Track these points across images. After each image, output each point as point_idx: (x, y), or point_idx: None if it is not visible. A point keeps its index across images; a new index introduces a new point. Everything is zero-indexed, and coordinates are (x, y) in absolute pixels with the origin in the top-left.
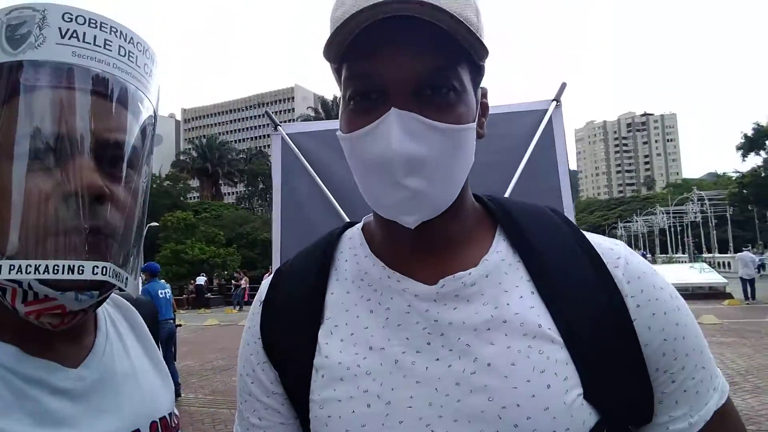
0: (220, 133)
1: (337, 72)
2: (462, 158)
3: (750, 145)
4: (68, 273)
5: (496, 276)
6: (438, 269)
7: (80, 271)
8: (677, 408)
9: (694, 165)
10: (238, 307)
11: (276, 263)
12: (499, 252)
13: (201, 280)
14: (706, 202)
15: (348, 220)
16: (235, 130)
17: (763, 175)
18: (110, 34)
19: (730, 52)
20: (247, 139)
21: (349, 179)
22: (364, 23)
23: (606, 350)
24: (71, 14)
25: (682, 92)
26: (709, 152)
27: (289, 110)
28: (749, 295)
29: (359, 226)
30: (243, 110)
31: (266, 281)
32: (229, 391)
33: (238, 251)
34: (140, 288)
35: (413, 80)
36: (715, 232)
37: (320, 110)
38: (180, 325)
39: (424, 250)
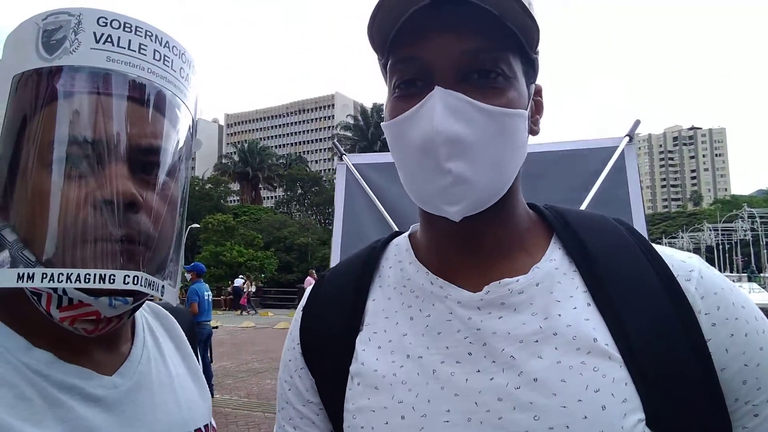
0: (261, 138)
1: (384, 66)
2: (511, 147)
3: None
4: (99, 282)
5: (548, 285)
6: (484, 276)
7: (111, 280)
8: None
9: (743, 181)
10: (239, 311)
11: None
12: (554, 260)
13: (239, 282)
14: (757, 219)
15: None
16: (275, 136)
17: None
18: (145, 38)
19: None
20: (287, 144)
21: (413, 213)
22: (411, 7)
23: (674, 372)
24: (106, 18)
25: (732, 106)
26: (759, 168)
27: (328, 117)
28: None
29: (406, 234)
30: (284, 116)
31: (309, 288)
32: (264, 394)
33: (275, 255)
34: (178, 290)
35: (458, 61)
36: (766, 251)
37: (359, 118)
38: (216, 327)
39: (470, 254)
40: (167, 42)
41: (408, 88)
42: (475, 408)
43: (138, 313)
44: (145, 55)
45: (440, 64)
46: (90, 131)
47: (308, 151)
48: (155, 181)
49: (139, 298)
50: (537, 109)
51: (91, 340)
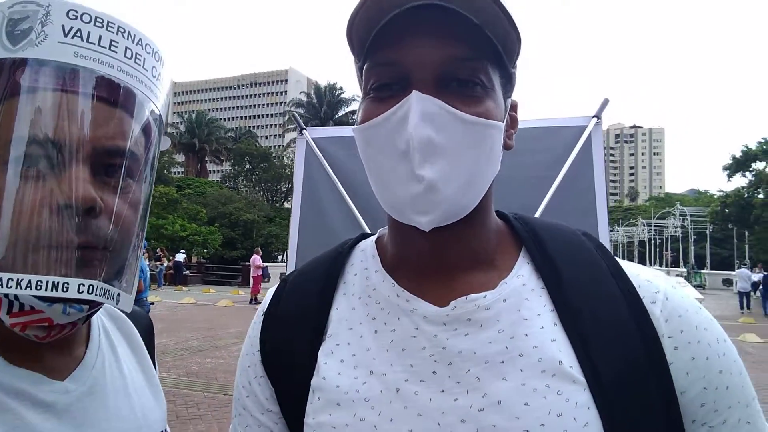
0: (209, 109)
1: (360, 69)
2: (485, 159)
3: (737, 166)
4: (52, 290)
5: (516, 302)
6: (451, 290)
7: (65, 289)
8: None
9: (677, 180)
10: (156, 286)
11: (291, 267)
12: (521, 276)
13: (180, 257)
14: (688, 217)
15: (366, 227)
16: (225, 108)
17: (746, 196)
18: (117, 34)
19: (721, 74)
20: (237, 117)
21: (372, 190)
22: (391, 11)
23: (635, 396)
24: (76, 11)
25: (672, 108)
26: (692, 169)
27: (281, 92)
28: (744, 306)
29: (373, 238)
30: (234, 88)
31: (270, 290)
32: (204, 373)
33: (220, 230)
34: (134, 297)
35: (437, 68)
36: (693, 247)
37: (312, 95)
38: (153, 303)
39: (438, 267)
40: (140, 39)
41: (383, 90)
42: (437, 429)
43: (94, 316)
44: (116, 52)
45: (419, 70)
46: (52, 130)
47: (259, 126)
48: (118, 183)
49: (94, 305)
50: (512, 123)
51: (43, 344)
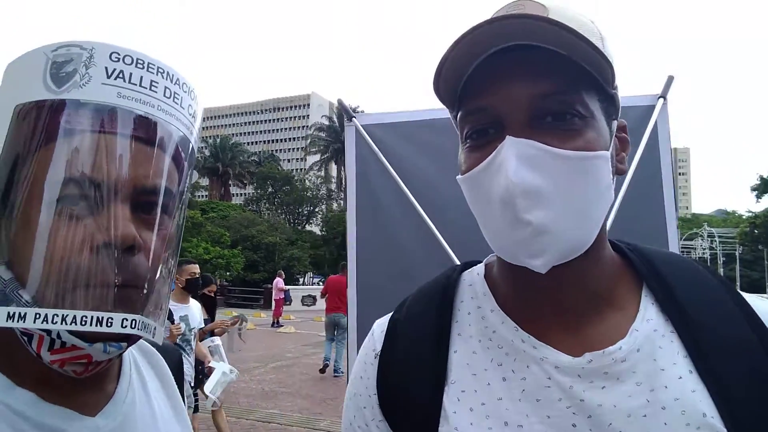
0: (233, 134)
1: (455, 118)
2: (593, 192)
3: (765, 186)
4: (96, 325)
5: (649, 350)
6: (579, 337)
7: (109, 324)
8: None
9: (703, 201)
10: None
11: (351, 258)
12: (650, 321)
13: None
14: (716, 238)
15: (425, 216)
16: (248, 132)
17: None
18: (157, 74)
19: (747, 93)
20: (260, 142)
21: (428, 174)
22: (475, 59)
23: None
24: (119, 54)
25: (697, 127)
26: (718, 189)
27: (303, 116)
28: None
29: (480, 270)
30: (258, 113)
31: (379, 327)
32: (226, 397)
33: (242, 253)
34: (167, 330)
35: (528, 107)
36: (722, 269)
37: (334, 119)
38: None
39: (560, 308)
40: (177, 79)
41: (480, 138)
42: None
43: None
44: (156, 92)
45: (509, 112)
46: (97, 171)
47: (281, 150)
48: (155, 221)
49: (132, 342)
50: (622, 146)
51: (77, 380)
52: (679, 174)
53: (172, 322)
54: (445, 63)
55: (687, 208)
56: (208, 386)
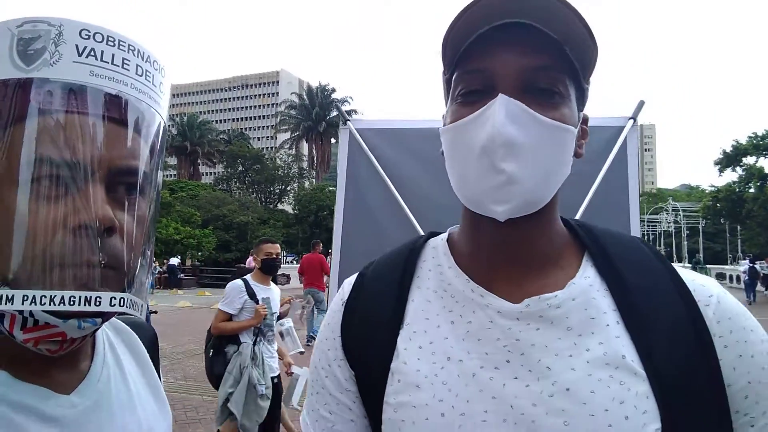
0: (201, 112)
1: (447, 82)
2: (559, 159)
3: (727, 161)
4: (85, 304)
5: (583, 301)
6: (522, 287)
7: (98, 303)
8: None
9: (668, 176)
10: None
11: (335, 259)
12: (588, 278)
13: (174, 261)
14: (680, 213)
15: (414, 220)
16: (216, 110)
17: (737, 190)
18: (128, 52)
19: (711, 69)
20: (229, 120)
21: (419, 180)
22: (479, 29)
23: (689, 388)
24: (89, 31)
25: (662, 103)
26: (683, 165)
27: (272, 94)
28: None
29: (444, 236)
30: (226, 90)
31: (349, 281)
32: (201, 376)
33: (214, 233)
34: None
35: (521, 75)
36: (686, 242)
37: (305, 96)
38: (155, 312)
39: (509, 264)
40: (148, 57)
41: (471, 96)
42: (510, 410)
43: (99, 330)
44: (128, 70)
45: (504, 77)
46: (73, 151)
47: (251, 128)
48: (133, 201)
49: (107, 318)
50: (583, 135)
51: (51, 358)
52: (645, 150)
53: (256, 302)
54: (454, 27)
55: (652, 183)
56: (295, 398)
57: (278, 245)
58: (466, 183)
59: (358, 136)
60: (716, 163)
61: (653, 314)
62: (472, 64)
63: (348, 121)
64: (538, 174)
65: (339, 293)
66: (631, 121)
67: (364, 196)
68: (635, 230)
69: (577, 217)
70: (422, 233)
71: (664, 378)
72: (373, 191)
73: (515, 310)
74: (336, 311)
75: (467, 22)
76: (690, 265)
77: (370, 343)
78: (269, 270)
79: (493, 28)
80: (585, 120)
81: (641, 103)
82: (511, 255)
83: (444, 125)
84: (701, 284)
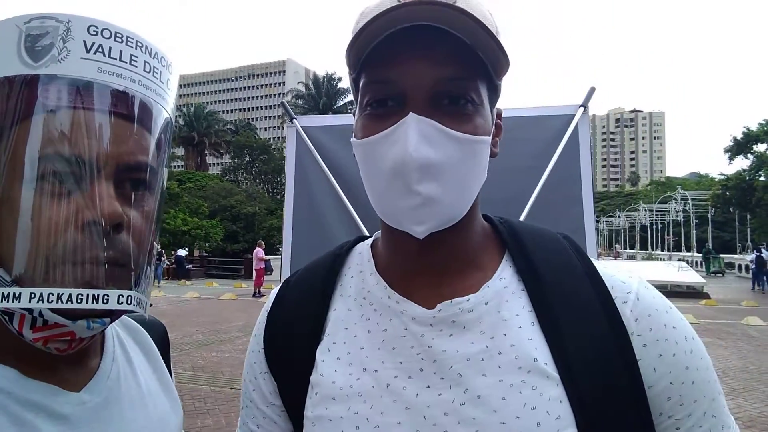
0: (208, 102)
1: (355, 82)
2: (475, 171)
3: (738, 148)
4: (93, 302)
5: (496, 304)
6: (439, 292)
7: (105, 301)
8: None
9: (677, 164)
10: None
11: (286, 260)
12: (503, 279)
13: (182, 252)
14: (689, 201)
15: (358, 219)
16: (223, 101)
17: (747, 178)
18: (136, 48)
19: (722, 56)
20: (235, 110)
21: (355, 170)
22: (386, 30)
23: (606, 390)
24: (97, 27)
25: (672, 91)
26: (692, 153)
27: (279, 83)
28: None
29: (369, 242)
30: (232, 81)
31: (273, 291)
32: (209, 367)
33: (221, 224)
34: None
35: (431, 87)
36: (695, 231)
37: (311, 86)
38: (150, 305)
39: (428, 270)
40: (156, 53)
41: (379, 107)
42: (423, 421)
43: (108, 327)
44: (136, 66)
45: (413, 90)
46: (81, 147)
47: (257, 118)
48: (140, 197)
49: (115, 318)
50: (497, 131)
51: (60, 356)
52: (654, 138)
53: None
54: (362, 33)
55: (661, 171)
56: None
57: None
58: (381, 200)
59: (303, 134)
60: (726, 151)
61: (568, 314)
62: (379, 72)
63: (294, 119)
64: (455, 191)
65: (266, 303)
66: (582, 108)
67: (312, 195)
68: (589, 222)
69: (525, 211)
70: (366, 233)
71: (579, 381)
72: (321, 190)
73: (428, 315)
74: (260, 322)
75: (372, 26)
76: (700, 255)
77: (290, 354)
78: None
79: (402, 31)
80: (499, 115)
81: (592, 90)
82: (428, 261)
83: (355, 136)
84: (621, 281)
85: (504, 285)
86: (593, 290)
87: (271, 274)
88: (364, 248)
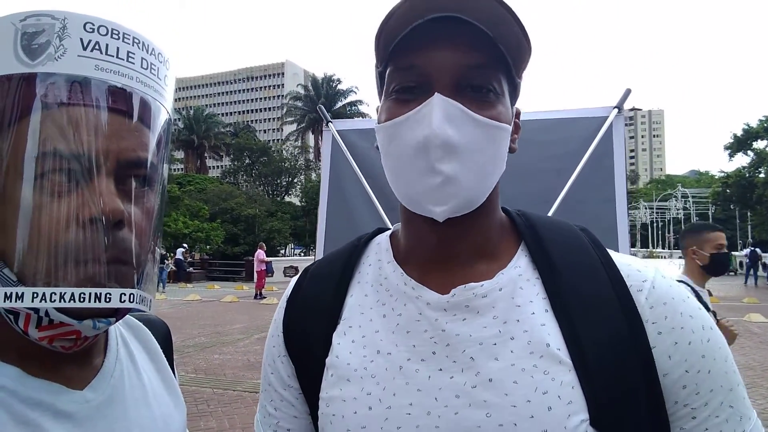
0: (207, 105)
1: (381, 76)
2: (495, 158)
3: (738, 145)
4: (95, 301)
5: (510, 290)
6: (454, 279)
7: (107, 299)
8: None
9: (677, 162)
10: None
11: (319, 255)
12: (518, 267)
13: (179, 253)
14: (690, 199)
15: (384, 215)
16: (222, 103)
17: (747, 175)
18: (133, 45)
19: (720, 53)
20: (235, 112)
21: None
22: (413, 21)
23: (618, 377)
24: (93, 24)
25: (671, 89)
26: (692, 151)
27: (278, 85)
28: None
29: (388, 232)
30: (231, 83)
31: (294, 278)
32: (211, 369)
33: (222, 226)
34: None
35: (456, 74)
36: None
37: (310, 87)
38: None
39: (445, 258)
40: (153, 49)
41: (405, 93)
42: (434, 403)
43: (111, 326)
44: (134, 63)
45: (439, 75)
46: (80, 145)
47: (257, 120)
48: (141, 193)
49: (120, 316)
50: (515, 129)
51: (63, 354)
52: (654, 136)
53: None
54: (389, 20)
55: (661, 169)
56: None
57: (723, 234)
58: (403, 183)
59: (338, 137)
60: (726, 148)
61: (582, 302)
62: (406, 59)
63: (330, 123)
64: (475, 174)
65: (286, 290)
66: (616, 110)
67: (345, 193)
68: (622, 222)
69: (553, 208)
70: (387, 222)
71: (591, 367)
72: (353, 189)
73: (443, 300)
74: (280, 308)
75: (401, 15)
76: (667, 251)
77: (308, 338)
78: (717, 269)
79: (428, 22)
80: (518, 114)
81: (627, 92)
82: (446, 250)
83: (378, 122)
84: (636, 269)
85: (519, 273)
86: (608, 279)
87: (272, 276)
88: (383, 239)
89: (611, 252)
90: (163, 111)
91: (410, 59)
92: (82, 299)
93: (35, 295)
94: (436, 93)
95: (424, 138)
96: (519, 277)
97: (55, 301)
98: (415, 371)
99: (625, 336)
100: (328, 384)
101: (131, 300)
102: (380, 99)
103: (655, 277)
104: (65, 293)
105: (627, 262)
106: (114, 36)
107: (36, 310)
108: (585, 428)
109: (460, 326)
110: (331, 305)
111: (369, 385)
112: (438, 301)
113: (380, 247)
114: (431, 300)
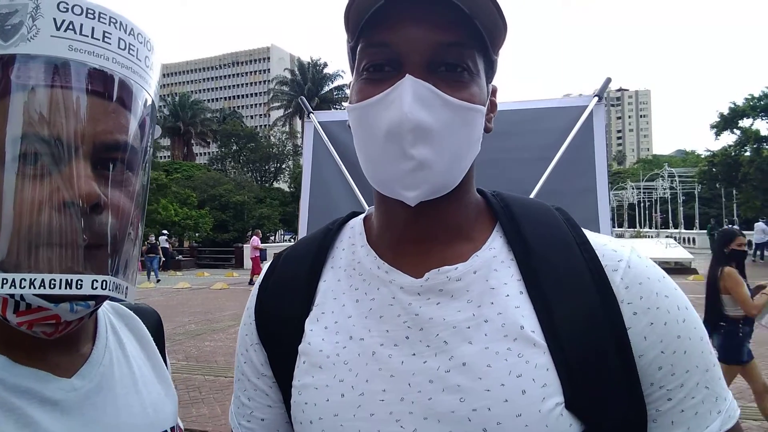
0: (192, 91)
1: (352, 50)
2: (469, 139)
3: (725, 123)
4: (66, 288)
5: (485, 273)
6: (428, 262)
7: (79, 286)
8: (672, 429)
9: (664, 142)
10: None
11: (303, 222)
12: (493, 249)
13: (164, 241)
14: (676, 178)
15: (363, 201)
16: (208, 89)
17: (733, 154)
18: (109, 25)
19: (706, 32)
20: (221, 98)
21: None
22: None
23: (593, 358)
24: (67, 4)
25: (657, 69)
26: (678, 130)
27: (264, 70)
28: (762, 257)
29: (362, 216)
30: (216, 69)
31: (266, 264)
32: (203, 356)
33: (210, 213)
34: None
35: (428, 52)
36: (682, 208)
37: (296, 72)
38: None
39: (418, 239)
40: (132, 29)
41: (376, 72)
42: (408, 389)
43: (101, 313)
44: (110, 43)
45: (411, 54)
46: (53, 127)
47: (243, 106)
48: (119, 177)
49: (100, 300)
50: (491, 108)
51: (49, 341)
52: (641, 116)
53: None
54: None
55: (648, 149)
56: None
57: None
58: (374, 166)
59: (320, 128)
60: (713, 127)
61: (556, 283)
62: (378, 36)
63: (311, 113)
64: (448, 157)
65: (258, 277)
66: (596, 99)
67: (327, 183)
68: (604, 211)
69: (536, 190)
70: (366, 208)
71: (566, 349)
72: (335, 180)
73: (416, 284)
74: (253, 295)
75: None
76: (688, 231)
77: (280, 324)
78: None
79: None
80: (494, 92)
81: (608, 80)
82: (419, 232)
83: (350, 102)
84: (612, 249)
85: (493, 254)
86: (583, 259)
87: (265, 262)
88: (356, 222)
89: (587, 232)
90: (143, 93)
91: (382, 36)
92: (52, 285)
93: (5, 281)
94: (407, 75)
95: (395, 122)
96: (493, 259)
97: (24, 287)
98: (388, 356)
99: (600, 317)
100: (301, 371)
101: (104, 287)
102: (352, 74)
103: (630, 257)
104: (35, 279)
105: (602, 242)
106: (89, 15)
107: (12, 295)
108: (560, 411)
109: (433, 310)
110: (304, 291)
111: (341, 371)
112: (411, 284)
113: (354, 230)
114: (404, 284)
